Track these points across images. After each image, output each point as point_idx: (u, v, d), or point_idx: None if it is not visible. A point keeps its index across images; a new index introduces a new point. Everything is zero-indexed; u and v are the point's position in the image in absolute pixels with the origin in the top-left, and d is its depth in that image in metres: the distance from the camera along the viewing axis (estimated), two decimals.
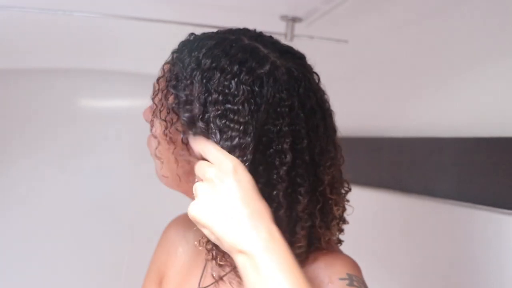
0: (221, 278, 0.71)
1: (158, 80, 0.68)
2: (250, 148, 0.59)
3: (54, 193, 1.90)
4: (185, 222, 0.87)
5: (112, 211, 1.90)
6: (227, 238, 0.54)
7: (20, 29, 1.29)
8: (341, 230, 0.70)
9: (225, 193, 0.55)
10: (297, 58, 0.67)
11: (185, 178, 0.68)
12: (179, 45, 0.68)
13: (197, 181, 0.59)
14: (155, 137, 0.68)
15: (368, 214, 1.39)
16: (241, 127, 0.59)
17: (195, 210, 0.57)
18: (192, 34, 0.68)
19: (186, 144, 0.64)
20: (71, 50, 1.58)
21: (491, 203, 0.92)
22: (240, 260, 0.54)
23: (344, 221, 0.70)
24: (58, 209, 1.89)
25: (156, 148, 0.68)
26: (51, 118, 1.89)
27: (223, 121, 0.59)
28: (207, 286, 0.73)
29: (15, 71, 1.78)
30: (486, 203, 0.93)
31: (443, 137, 1.08)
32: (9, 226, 1.84)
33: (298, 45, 1.16)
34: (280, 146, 0.61)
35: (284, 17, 1.11)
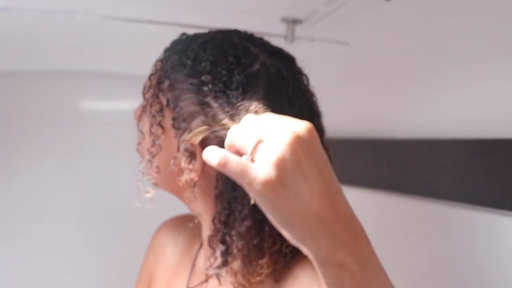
0: (209, 277, 0.72)
1: (150, 76, 0.69)
2: None
3: (55, 194, 1.90)
4: (175, 225, 0.88)
5: (113, 213, 1.90)
6: (320, 243, 0.42)
7: (21, 31, 1.29)
8: None
9: (314, 176, 0.40)
10: (287, 59, 0.68)
11: (169, 177, 0.68)
12: (171, 44, 0.70)
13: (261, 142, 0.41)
14: (142, 132, 0.69)
15: (368, 215, 1.39)
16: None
17: (273, 190, 0.39)
18: (183, 34, 0.70)
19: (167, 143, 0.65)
20: (72, 52, 1.58)
21: (491, 204, 0.92)
22: (334, 273, 0.43)
23: None
24: (58, 210, 1.89)
25: (140, 143, 0.70)
26: (52, 120, 1.89)
27: (219, 101, 0.60)
28: (195, 286, 0.74)
29: (16, 73, 1.79)
30: (486, 204, 0.93)
31: (443, 139, 1.08)
32: (9, 227, 1.84)
33: (298, 47, 1.17)
34: None
35: (284, 19, 1.11)
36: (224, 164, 0.41)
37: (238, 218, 0.63)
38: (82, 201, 1.91)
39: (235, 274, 0.64)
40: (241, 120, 0.45)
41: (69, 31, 1.31)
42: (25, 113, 1.86)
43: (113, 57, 1.67)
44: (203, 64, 0.62)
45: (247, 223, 0.62)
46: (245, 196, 0.61)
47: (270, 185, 0.39)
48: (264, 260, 0.63)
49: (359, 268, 0.43)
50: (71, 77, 1.86)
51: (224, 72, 0.61)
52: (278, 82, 0.63)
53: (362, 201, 1.41)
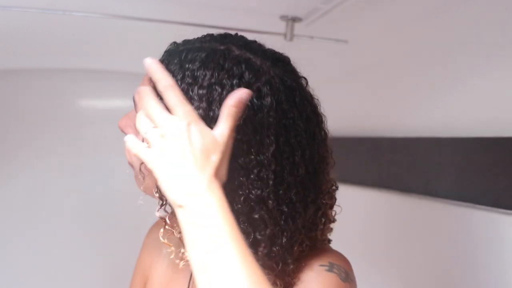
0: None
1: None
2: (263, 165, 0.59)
3: (54, 193, 1.90)
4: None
5: (112, 211, 1.90)
6: (169, 192, 0.54)
7: (20, 29, 1.29)
8: (331, 230, 0.71)
9: (176, 152, 0.54)
10: (286, 64, 0.66)
11: None
12: (164, 56, 0.65)
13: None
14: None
15: (368, 214, 1.39)
16: (245, 146, 0.59)
17: (149, 157, 0.56)
18: (174, 43, 0.67)
19: None
20: (71, 50, 1.58)
21: (491, 203, 0.92)
22: (179, 214, 0.53)
23: (334, 221, 0.70)
24: (58, 208, 1.89)
25: (133, 157, 0.68)
26: (51, 118, 1.89)
27: None
28: None
29: (15, 71, 1.79)
30: (486, 203, 0.93)
31: (443, 137, 1.08)
32: (9, 225, 1.84)
33: (298, 45, 1.16)
34: (291, 159, 0.61)
35: (284, 17, 1.11)
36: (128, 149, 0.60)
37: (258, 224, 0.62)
38: (81, 198, 1.91)
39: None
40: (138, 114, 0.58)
41: (68, 29, 1.31)
42: (24, 110, 1.86)
43: (112, 55, 1.67)
44: (211, 84, 0.59)
45: (269, 230, 0.61)
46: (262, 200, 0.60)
47: (151, 164, 0.55)
48: (291, 267, 0.63)
49: (192, 208, 0.53)
50: (71, 75, 1.86)
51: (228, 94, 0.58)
52: (286, 94, 0.62)
53: (362, 200, 1.41)
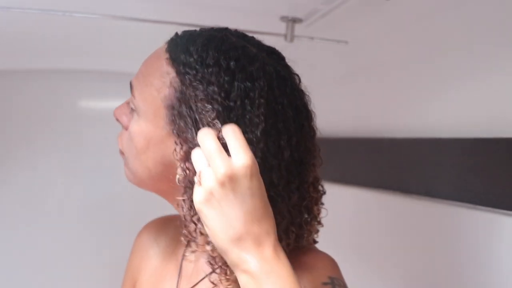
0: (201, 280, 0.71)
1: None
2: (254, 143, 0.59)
3: (54, 193, 1.90)
4: (157, 227, 0.87)
5: (112, 211, 1.90)
6: (232, 254, 0.53)
7: (20, 30, 1.29)
8: (317, 231, 0.71)
9: (236, 205, 0.53)
10: (281, 59, 0.69)
11: (158, 178, 0.68)
12: (167, 44, 0.68)
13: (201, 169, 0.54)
14: (137, 133, 0.67)
15: (368, 214, 1.39)
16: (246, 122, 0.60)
17: (203, 208, 0.54)
18: (176, 33, 0.69)
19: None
20: (71, 51, 1.58)
21: (492, 204, 0.92)
22: (243, 279, 0.53)
23: (320, 223, 0.70)
24: (58, 209, 1.89)
25: (124, 142, 0.70)
26: (51, 118, 1.89)
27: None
28: None
29: (15, 71, 1.78)
30: (487, 204, 0.93)
31: (443, 138, 1.08)
32: (9, 226, 1.84)
33: (298, 46, 1.16)
34: (277, 143, 0.62)
35: (284, 18, 1.11)
36: None
37: None
38: (81, 199, 1.91)
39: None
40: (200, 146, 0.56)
41: (68, 30, 1.31)
42: (24, 111, 1.86)
43: (112, 56, 1.67)
44: (212, 64, 0.61)
45: None
46: None
47: (200, 206, 0.54)
48: None
49: (266, 276, 0.52)
50: (70, 76, 1.86)
51: (228, 72, 0.60)
52: (278, 81, 0.63)
53: (362, 201, 1.41)
